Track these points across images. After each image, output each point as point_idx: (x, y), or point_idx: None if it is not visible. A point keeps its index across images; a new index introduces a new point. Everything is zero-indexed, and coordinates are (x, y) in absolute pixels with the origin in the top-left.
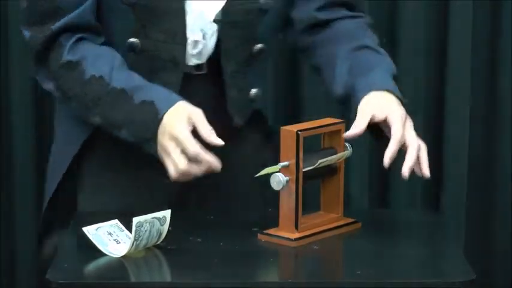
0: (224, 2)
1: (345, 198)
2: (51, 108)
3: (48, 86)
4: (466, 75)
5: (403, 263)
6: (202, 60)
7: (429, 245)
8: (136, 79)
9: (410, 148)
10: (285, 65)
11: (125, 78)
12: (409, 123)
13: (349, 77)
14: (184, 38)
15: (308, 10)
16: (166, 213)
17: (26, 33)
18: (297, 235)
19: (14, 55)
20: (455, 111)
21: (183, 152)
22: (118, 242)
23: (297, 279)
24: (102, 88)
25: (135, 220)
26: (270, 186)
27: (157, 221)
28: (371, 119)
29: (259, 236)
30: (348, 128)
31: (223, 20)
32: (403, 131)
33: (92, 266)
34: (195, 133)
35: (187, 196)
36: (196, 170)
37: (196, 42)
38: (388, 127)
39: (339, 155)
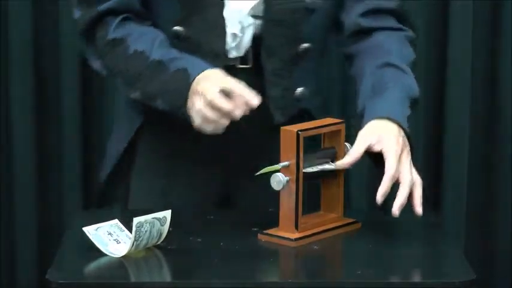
0: None
1: (345, 199)
2: (51, 108)
3: (96, 64)
4: (466, 75)
5: (402, 263)
6: (240, 53)
7: (429, 245)
8: (174, 52)
9: (402, 186)
10: None
11: (163, 51)
12: (406, 157)
13: (367, 96)
14: (223, 30)
15: (354, 14)
16: (167, 214)
17: (76, 13)
18: (297, 235)
19: (14, 54)
20: (455, 111)
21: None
22: (118, 242)
23: (297, 279)
24: (142, 62)
25: (136, 220)
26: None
27: (158, 221)
28: (368, 148)
29: (259, 236)
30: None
31: (266, 17)
32: (397, 166)
33: (92, 266)
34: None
35: (226, 193)
36: (214, 115)
37: (234, 35)
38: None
39: (338, 164)
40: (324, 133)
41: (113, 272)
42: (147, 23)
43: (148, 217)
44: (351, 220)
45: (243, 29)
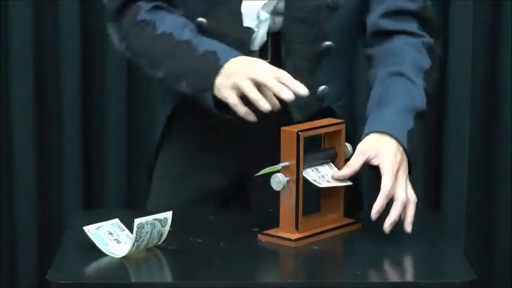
0: None
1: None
2: (51, 108)
3: (121, 46)
4: (466, 75)
5: (403, 263)
6: (255, 47)
7: (429, 245)
8: (202, 36)
9: (395, 204)
10: None
11: (192, 34)
12: (402, 174)
13: (373, 105)
14: (242, 23)
15: (375, 15)
16: (168, 215)
17: None
18: (297, 235)
19: (14, 54)
20: (455, 111)
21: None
22: (118, 242)
23: (297, 279)
24: (169, 43)
25: (137, 221)
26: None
27: (159, 222)
28: (366, 162)
29: (260, 236)
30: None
31: (286, 14)
32: (392, 184)
33: (92, 267)
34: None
35: (241, 186)
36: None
37: (250, 29)
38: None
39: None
40: (324, 133)
41: (113, 272)
42: (178, 12)
43: (149, 218)
44: (351, 220)
45: (259, 24)
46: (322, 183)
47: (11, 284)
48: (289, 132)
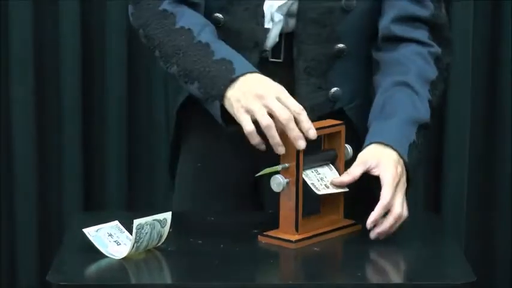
0: None
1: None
2: (51, 108)
3: (140, 33)
4: (466, 75)
5: (403, 264)
6: (266, 47)
7: (429, 245)
8: (221, 42)
9: (390, 216)
10: None
11: (212, 37)
12: (401, 188)
13: (376, 114)
14: (261, 21)
15: (387, 19)
16: (167, 216)
17: None
18: (297, 237)
19: (14, 54)
20: (455, 111)
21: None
22: (118, 243)
23: (297, 281)
24: (187, 39)
25: (136, 222)
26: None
27: (158, 223)
28: (366, 171)
29: (260, 237)
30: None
31: (299, 15)
32: (392, 196)
33: (92, 268)
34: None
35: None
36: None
37: (266, 29)
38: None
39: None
40: (324, 135)
41: (113, 273)
42: (199, 8)
43: (149, 219)
44: (351, 222)
45: (273, 24)
46: (321, 190)
47: (11, 284)
48: None
